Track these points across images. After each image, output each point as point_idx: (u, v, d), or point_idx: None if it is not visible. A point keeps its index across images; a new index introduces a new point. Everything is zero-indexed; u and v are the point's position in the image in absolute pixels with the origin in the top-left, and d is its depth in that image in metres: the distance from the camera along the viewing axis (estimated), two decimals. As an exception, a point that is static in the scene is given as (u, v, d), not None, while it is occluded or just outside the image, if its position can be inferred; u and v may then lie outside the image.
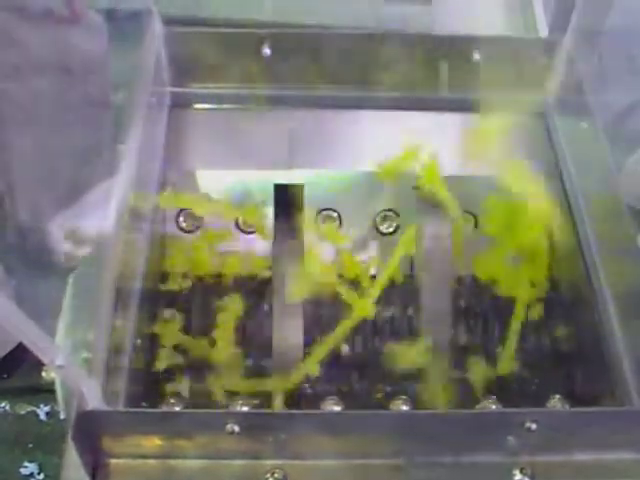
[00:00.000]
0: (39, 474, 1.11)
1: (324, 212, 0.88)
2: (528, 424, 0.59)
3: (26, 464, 1.11)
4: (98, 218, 0.72)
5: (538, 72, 0.89)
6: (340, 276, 0.83)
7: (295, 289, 0.75)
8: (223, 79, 0.88)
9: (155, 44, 0.86)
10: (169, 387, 0.78)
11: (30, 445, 1.13)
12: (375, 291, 0.81)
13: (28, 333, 0.53)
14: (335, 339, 0.78)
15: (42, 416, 1.16)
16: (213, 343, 0.80)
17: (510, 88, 0.89)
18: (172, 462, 0.61)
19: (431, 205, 0.80)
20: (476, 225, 0.88)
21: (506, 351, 0.80)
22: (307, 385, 0.78)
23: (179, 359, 0.79)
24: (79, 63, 1.12)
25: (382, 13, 1.28)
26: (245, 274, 0.85)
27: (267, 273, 0.82)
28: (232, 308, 0.81)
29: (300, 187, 0.78)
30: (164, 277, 0.84)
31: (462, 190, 0.87)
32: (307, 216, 0.84)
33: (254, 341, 0.81)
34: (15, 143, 1.11)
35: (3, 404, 1.17)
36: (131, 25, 0.93)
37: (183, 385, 0.78)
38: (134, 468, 0.61)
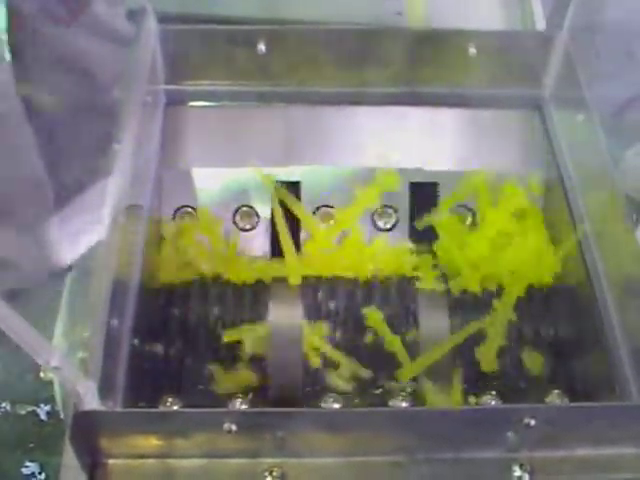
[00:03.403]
0: (40, 474, 1.11)
1: (322, 208, 0.88)
2: (527, 420, 0.59)
3: (27, 464, 1.11)
4: (94, 218, 0.71)
5: (535, 66, 0.89)
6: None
7: None
8: (218, 76, 0.88)
9: (150, 42, 0.86)
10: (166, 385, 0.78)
11: (31, 445, 1.13)
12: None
13: (23, 335, 0.52)
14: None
15: (42, 416, 1.16)
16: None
17: (507, 82, 0.89)
18: (170, 461, 0.61)
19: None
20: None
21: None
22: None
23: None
24: (77, 63, 1.12)
25: (378, 8, 1.28)
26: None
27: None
28: None
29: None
30: (161, 276, 0.84)
31: (459, 185, 0.88)
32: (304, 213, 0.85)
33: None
34: (17, 142, 1.11)
35: (4, 404, 1.17)
36: (126, 23, 0.93)
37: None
38: (132, 468, 0.61)
